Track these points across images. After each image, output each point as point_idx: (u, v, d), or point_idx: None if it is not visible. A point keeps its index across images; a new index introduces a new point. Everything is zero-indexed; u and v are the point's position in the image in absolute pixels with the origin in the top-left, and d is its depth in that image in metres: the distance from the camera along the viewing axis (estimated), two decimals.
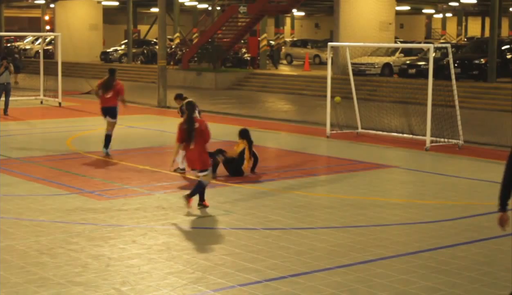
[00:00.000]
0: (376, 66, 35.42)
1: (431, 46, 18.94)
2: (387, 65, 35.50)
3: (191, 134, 11.52)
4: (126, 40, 50.55)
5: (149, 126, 22.30)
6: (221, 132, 20.95)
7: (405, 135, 19.56)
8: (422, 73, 30.64)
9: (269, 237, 10.17)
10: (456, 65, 28.47)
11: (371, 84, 31.60)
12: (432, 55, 18.26)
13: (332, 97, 20.44)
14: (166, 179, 14.12)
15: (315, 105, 27.81)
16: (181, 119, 12.15)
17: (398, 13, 48.55)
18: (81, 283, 8.26)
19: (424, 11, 62.97)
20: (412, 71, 33.03)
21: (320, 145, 18.83)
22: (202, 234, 10.33)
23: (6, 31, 53.56)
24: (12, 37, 59.03)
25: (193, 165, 11.70)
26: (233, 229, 10.61)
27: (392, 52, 36.57)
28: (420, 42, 47.51)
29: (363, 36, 35.26)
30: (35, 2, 56.57)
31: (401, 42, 46.65)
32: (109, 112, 16.65)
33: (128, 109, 18.83)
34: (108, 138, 16.63)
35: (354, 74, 21.84)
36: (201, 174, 11.60)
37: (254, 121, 23.61)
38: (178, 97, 15.20)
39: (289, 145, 18.84)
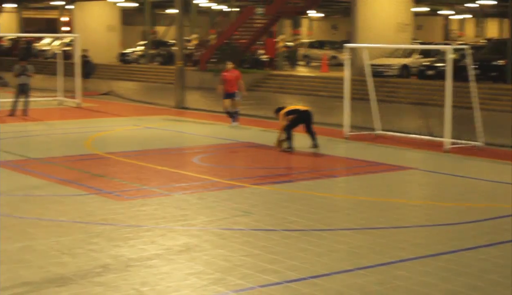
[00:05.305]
0: (394, 67, 35.28)
1: (449, 47, 18.85)
2: (405, 66, 35.36)
3: None
4: (146, 41, 50.71)
5: (167, 127, 22.34)
6: (239, 134, 20.98)
7: (424, 137, 19.48)
8: (440, 75, 30.48)
9: (288, 238, 10.16)
10: (475, 66, 28.29)
11: (389, 85, 31.51)
12: (450, 56, 18.18)
13: (352, 98, 20.35)
14: (185, 179, 14.14)
15: (333, 107, 27.75)
16: None
17: (416, 14, 48.36)
18: (101, 283, 8.29)
19: (442, 12, 62.70)
20: (431, 72, 32.87)
21: (339, 147, 18.79)
22: (221, 235, 10.33)
23: (24, 32, 53.84)
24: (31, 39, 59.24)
25: None
26: (252, 230, 10.60)
27: (409, 53, 36.43)
28: (438, 43, 47.29)
29: (380, 37, 35.13)
30: (52, 3, 56.77)
31: (419, 43, 46.43)
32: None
33: (146, 110, 18.92)
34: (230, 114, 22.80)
35: (371, 76, 21.76)
36: None
37: (272, 123, 23.58)
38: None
39: (307, 147, 18.81)
